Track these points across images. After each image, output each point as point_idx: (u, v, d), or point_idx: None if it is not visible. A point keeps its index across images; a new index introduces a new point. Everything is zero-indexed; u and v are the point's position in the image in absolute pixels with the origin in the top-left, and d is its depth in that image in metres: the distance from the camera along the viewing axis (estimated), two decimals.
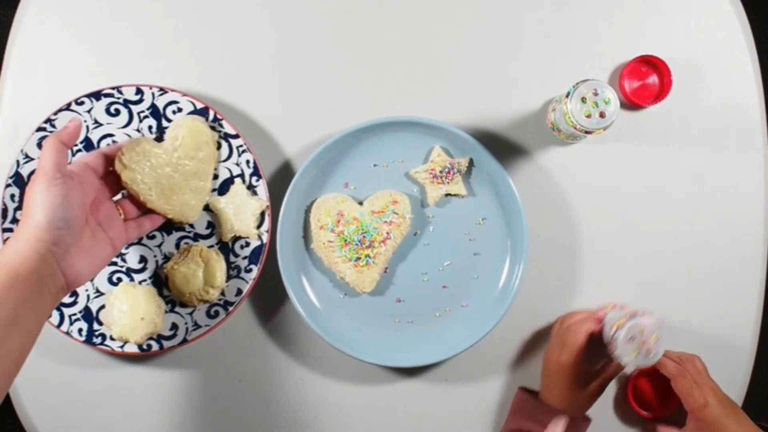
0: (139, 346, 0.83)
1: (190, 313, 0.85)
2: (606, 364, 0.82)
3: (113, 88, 0.84)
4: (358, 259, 0.84)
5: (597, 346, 0.81)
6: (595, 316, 0.82)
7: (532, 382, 0.88)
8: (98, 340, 0.84)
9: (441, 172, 0.85)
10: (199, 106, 0.85)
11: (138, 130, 0.85)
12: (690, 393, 0.80)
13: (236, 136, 0.85)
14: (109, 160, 0.75)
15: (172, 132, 0.82)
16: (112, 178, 0.76)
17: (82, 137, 0.85)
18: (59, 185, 0.65)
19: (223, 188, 0.85)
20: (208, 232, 0.86)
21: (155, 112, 0.85)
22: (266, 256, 0.84)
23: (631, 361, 0.76)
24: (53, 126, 0.84)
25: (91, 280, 0.85)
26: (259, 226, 0.84)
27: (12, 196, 0.84)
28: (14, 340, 0.61)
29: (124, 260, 0.85)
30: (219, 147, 0.85)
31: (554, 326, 0.86)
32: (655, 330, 0.76)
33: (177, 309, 0.85)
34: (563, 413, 0.81)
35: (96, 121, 0.85)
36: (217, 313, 0.84)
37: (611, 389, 0.88)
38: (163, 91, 0.85)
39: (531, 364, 0.89)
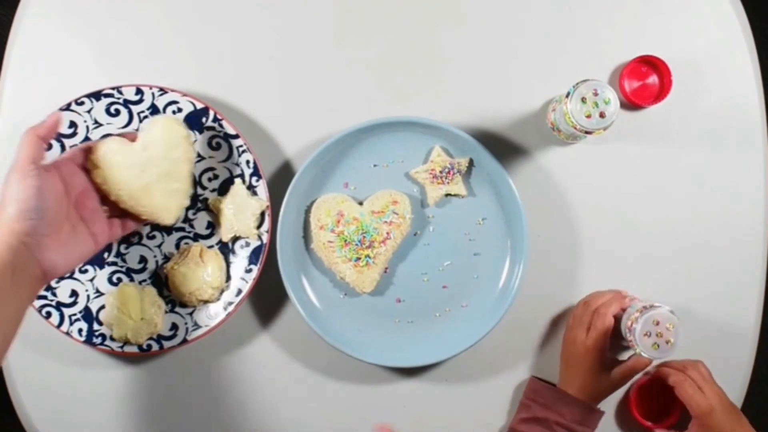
0: (139, 346, 0.83)
1: (190, 313, 0.85)
2: (633, 356, 0.82)
3: (113, 88, 0.84)
4: (358, 259, 0.84)
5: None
6: (621, 297, 0.83)
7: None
8: (98, 340, 0.84)
9: (441, 172, 0.85)
10: (199, 106, 0.85)
11: (138, 131, 0.85)
12: (694, 398, 0.80)
13: (236, 136, 0.85)
14: (77, 152, 0.76)
15: (144, 131, 0.79)
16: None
17: (82, 137, 0.85)
18: (33, 176, 0.66)
19: (223, 188, 0.85)
20: (208, 232, 0.86)
21: (155, 112, 0.85)
22: (266, 256, 0.84)
23: (653, 354, 0.76)
24: None
25: (91, 280, 0.85)
26: (259, 226, 0.84)
27: None
28: None
29: (124, 260, 0.85)
30: (219, 148, 0.84)
31: (577, 308, 0.86)
32: (668, 319, 0.76)
33: (177, 309, 0.85)
34: (582, 403, 0.81)
35: (96, 122, 0.85)
36: (217, 314, 0.84)
37: (614, 396, 0.88)
38: (163, 91, 0.85)
39: (531, 364, 0.89)
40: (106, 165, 0.75)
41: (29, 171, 0.66)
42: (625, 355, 0.87)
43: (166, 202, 0.79)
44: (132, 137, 0.77)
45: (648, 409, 0.87)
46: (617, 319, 0.82)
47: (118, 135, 0.76)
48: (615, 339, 0.82)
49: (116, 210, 0.78)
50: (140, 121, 0.85)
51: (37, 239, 0.65)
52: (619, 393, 0.88)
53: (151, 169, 0.77)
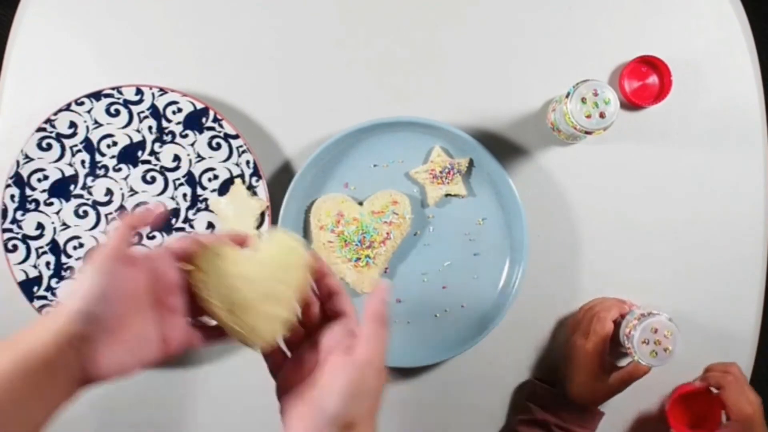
0: None
1: None
2: (634, 363, 0.82)
3: (113, 89, 0.84)
4: (358, 259, 0.84)
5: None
6: (621, 304, 0.83)
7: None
8: None
9: (441, 172, 0.85)
10: (199, 106, 0.85)
11: (138, 131, 0.85)
12: (739, 402, 0.80)
13: (236, 136, 0.85)
14: (177, 242, 0.63)
15: (260, 243, 0.66)
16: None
17: (82, 137, 0.85)
18: (106, 275, 0.56)
19: (223, 188, 0.85)
20: (208, 232, 0.86)
21: (155, 112, 0.85)
22: None
23: (651, 362, 0.76)
24: (53, 126, 0.84)
25: None
26: (259, 226, 0.84)
27: (12, 197, 0.84)
28: (13, 427, 0.53)
29: None
30: (219, 148, 0.84)
31: (578, 313, 0.86)
32: (666, 326, 0.76)
33: None
34: (582, 406, 0.81)
35: (96, 122, 0.85)
36: None
37: (648, 404, 0.88)
38: (163, 91, 0.85)
39: (531, 364, 0.89)
40: (211, 269, 0.63)
41: (106, 268, 0.57)
42: (624, 362, 0.87)
43: (262, 325, 0.64)
44: (242, 240, 0.65)
45: (684, 423, 0.87)
46: (617, 324, 0.82)
47: (229, 235, 0.64)
48: (615, 345, 0.82)
49: (198, 313, 0.65)
50: (140, 121, 0.85)
51: (88, 344, 0.56)
52: (646, 400, 0.89)
53: (257, 287, 0.64)
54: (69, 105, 0.84)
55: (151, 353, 0.60)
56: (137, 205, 0.85)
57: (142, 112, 0.85)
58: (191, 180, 0.86)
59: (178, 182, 0.86)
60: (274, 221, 0.84)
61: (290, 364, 0.61)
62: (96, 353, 0.56)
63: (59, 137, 0.84)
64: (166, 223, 0.85)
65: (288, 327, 0.63)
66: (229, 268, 0.63)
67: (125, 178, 0.86)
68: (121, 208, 0.85)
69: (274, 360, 0.62)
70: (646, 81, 0.88)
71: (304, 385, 0.58)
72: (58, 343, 0.54)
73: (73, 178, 0.85)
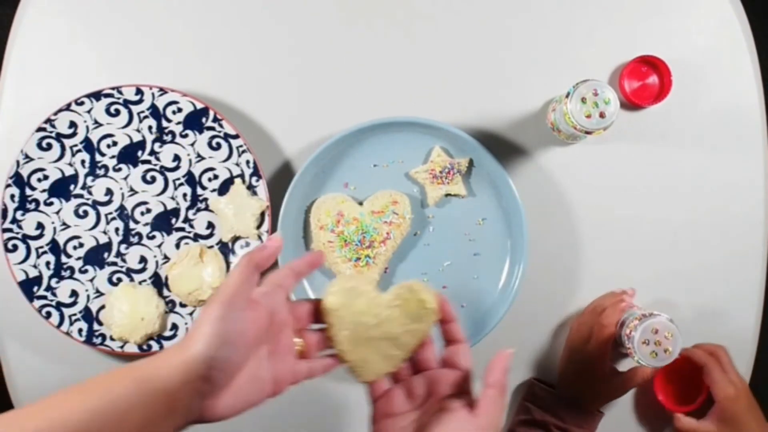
0: (139, 346, 0.83)
1: (190, 313, 0.85)
2: (635, 368, 0.82)
3: (113, 88, 0.84)
4: (358, 259, 0.84)
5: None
6: (622, 305, 0.83)
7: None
8: (98, 340, 0.84)
9: (441, 172, 0.85)
10: (199, 106, 0.85)
11: (138, 130, 0.85)
12: (721, 382, 0.80)
13: (236, 136, 0.85)
14: (299, 277, 0.62)
15: (397, 290, 0.67)
16: (303, 306, 0.63)
17: (81, 137, 0.85)
18: (233, 320, 0.55)
19: (223, 188, 0.85)
20: (208, 232, 0.86)
21: (155, 112, 0.85)
22: None
23: (651, 363, 0.76)
24: (53, 126, 0.84)
25: (91, 280, 0.85)
26: (259, 227, 0.84)
27: (12, 197, 0.84)
28: None
29: (124, 260, 0.85)
30: (219, 148, 0.84)
31: (581, 316, 0.86)
32: (667, 327, 0.76)
33: (177, 309, 0.85)
34: (581, 407, 0.81)
35: (96, 121, 0.85)
36: None
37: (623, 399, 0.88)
38: (163, 91, 0.85)
39: (531, 364, 0.89)
40: (346, 304, 0.65)
41: (233, 310, 0.55)
42: (624, 364, 0.87)
43: (376, 361, 0.67)
44: (301, 271, 0.63)
45: (671, 394, 0.87)
46: (619, 324, 0.82)
47: (291, 269, 0.63)
48: (615, 347, 0.82)
49: (321, 348, 0.65)
50: (140, 121, 0.85)
51: (211, 387, 0.55)
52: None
53: (383, 329, 0.66)
54: (69, 105, 0.84)
55: (263, 394, 0.60)
56: (137, 204, 0.85)
57: (142, 112, 0.85)
58: (191, 180, 0.86)
59: (178, 182, 0.86)
60: (274, 221, 0.84)
61: (394, 395, 0.63)
62: (214, 396, 0.56)
63: (59, 137, 0.84)
64: (165, 223, 0.85)
65: (398, 365, 0.65)
66: (362, 305, 0.65)
67: (125, 178, 0.86)
68: (121, 208, 0.85)
69: (376, 388, 0.64)
70: (646, 81, 0.88)
71: (407, 418, 0.61)
72: (183, 381, 0.54)
73: (73, 178, 0.85)
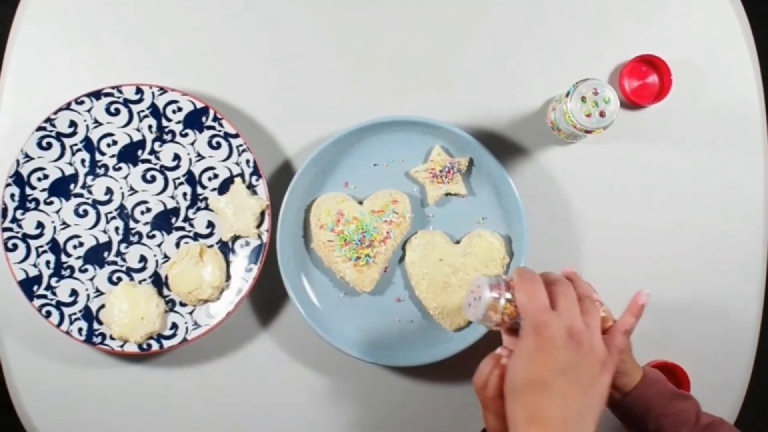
0: (139, 346, 0.83)
1: (190, 313, 0.85)
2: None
3: (113, 88, 0.84)
4: (358, 258, 0.84)
5: None
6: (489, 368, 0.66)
7: None
8: (98, 340, 0.84)
9: (441, 171, 0.85)
10: (199, 105, 0.85)
11: (138, 130, 0.85)
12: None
13: (236, 136, 0.85)
14: None
15: (469, 239, 0.84)
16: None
17: (82, 136, 0.85)
18: None
19: (223, 187, 0.85)
20: (208, 231, 0.86)
21: (155, 111, 0.85)
22: (266, 255, 0.84)
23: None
24: (53, 125, 0.84)
25: (91, 279, 0.85)
26: (259, 226, 0.84)
27: (12, 196, 0.84)
28: None
29: (124, 260, 0.85)
30: (219, 147, 0.85)
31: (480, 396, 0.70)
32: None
33: (177, 309, 0.85)
34: None
35: (96, 121, 0.85)
36: (217, 313, 0.84)
37: None
38: (163, 90, 0.85)
39: None
40: (423, 251, 0.83)
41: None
42: None
43: (459, 309, 0.83)
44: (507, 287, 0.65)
45: None
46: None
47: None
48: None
49: None
50: (140, 120, 0.85)
51: None
52: None
53: (459, 274, 0.82)
54: (69, 104, 0.84)
55: None
56: (137, 204, 0.85)
57: (142, 111, 0.85)
58: (191, 179, 0.86)
59: (178, 181, 0.86)
60: (274, 220, 0.84)
61: None
62: None
63: (59, 136, 0.84)
64: (165, 222, 0.85)
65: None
66: (438, 256, 0.83)
67: (125, 177, 0.86)
68: (121, 207, 0.85)
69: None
70: (646, 80, 0.88)
71: None
72: None
73: (73, 177, 0.85)
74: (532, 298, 0.60)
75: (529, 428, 0.58)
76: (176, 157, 0.86)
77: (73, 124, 0.85)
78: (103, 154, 0.85)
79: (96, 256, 0.85)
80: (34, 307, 0.83)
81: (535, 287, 0.61)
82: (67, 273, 0.84)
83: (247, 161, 0.85)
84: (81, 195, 0.85)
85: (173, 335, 0.84)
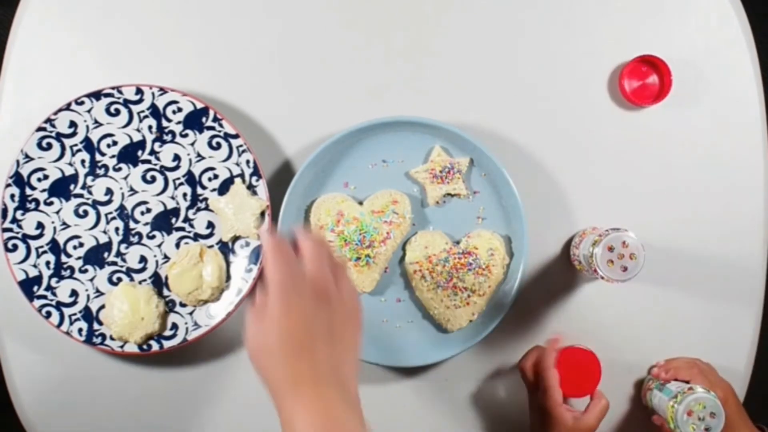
0: (139, 346, 0.83)
1: (190, 313, 0.85)
2: (593, 404, 0.80)
3: (113, 88, 0.84)
4: (358, 258, 0.84)
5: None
6: (544, 349, 0.81)
7: None
8: (98, 340, 0.84)
9: (441, 171, 0.85)
10: (199, 106, 0.85)
11: (138, 130, 0.85)
12: (713, 389, 0.79)
13: (236, 136, 0.85)
14: None
15: (469, 239, 0.85)
16: None
17: (81, 137, 0.85)
18: None
19: (223, 188, 0.85)
20: (208, 232, 0.86)
21: (155, 111, 0.85)
22: None
23: (610, 275, 0.78)
24: (53, 125, 0.84)
25: (91, 280, 0.85)
26: (258, 226, 0.84)
27: (12, 196, 0.84)
28: None
29: (124, 260, 0.85)
30: (219, 148, 0.85)
31: (524, 376, 0.84)
32: (632, 242, 0.78)
33: (177, 309, 0.85)
34: None
35: (96, 121, 0.85)
36: (217, 313, 0.84)
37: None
38: (163, 91, 0.85)
39: None
40: (417, 250, 0.85)
41: None
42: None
43: (460, 309, 0.85)
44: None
45: (567, 378, 0.82)
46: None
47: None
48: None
49: None
50: (140, 120, 0.85)
51: None
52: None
53: (460, 275, 0.84)
54: (69, 104, 0.84)
55: None
56: (137, 204, 0.85)
57: (142, 111, 0.85)
58: (191, 179, 0.86)
59: (178, 182, 0.86)
60: (274, 221, 0.84)
61: None
62: None
63: (59, 137, 0.84)
64: (165, 223, 0.85)
65: (480, 312, 0.84)
66: (437, 256, 0.85)
67: (125, 178, 0.86)
68: (121, 207, 0.85)
69: None
70: (646, 81, 0.88)
71: None
72: None
73: (73, 178, 0.85)
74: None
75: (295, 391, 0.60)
76: (176, 157, 0.86)
77: (73, 124, 0.84)
78: (103, 154, 0.85)
79: (96, 256, 0.85)
80: (34, 307, 0.83)
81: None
82: (67, 273, 0.84)
83: (247, 162, 0.85)
84: (81, 195, 0.85)
85: (173, 336, 0.84)
